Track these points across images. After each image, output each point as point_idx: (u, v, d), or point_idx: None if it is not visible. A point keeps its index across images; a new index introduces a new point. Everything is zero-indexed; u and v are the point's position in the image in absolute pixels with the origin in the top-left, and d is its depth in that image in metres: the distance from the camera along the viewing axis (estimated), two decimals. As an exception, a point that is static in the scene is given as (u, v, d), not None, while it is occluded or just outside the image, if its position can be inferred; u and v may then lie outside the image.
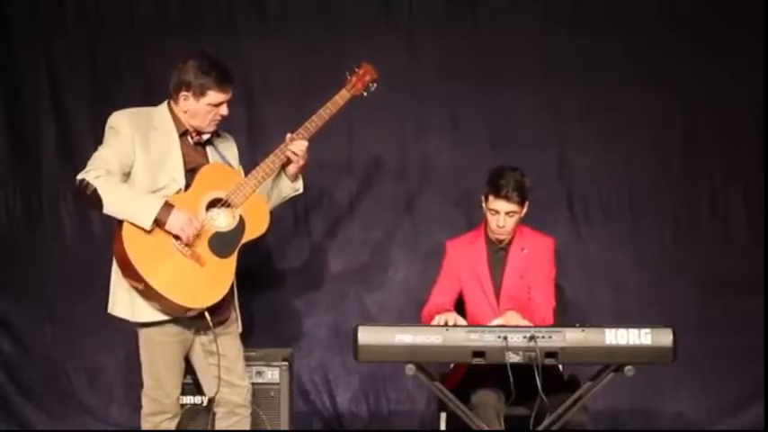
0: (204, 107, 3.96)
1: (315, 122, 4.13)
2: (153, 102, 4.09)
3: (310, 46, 5.35)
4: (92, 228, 5.31)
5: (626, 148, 5.39)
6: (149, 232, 3.83)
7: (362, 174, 5.42)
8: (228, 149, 4.17)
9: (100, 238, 5.20)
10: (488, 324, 4.12)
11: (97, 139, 4.01)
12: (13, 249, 5.41)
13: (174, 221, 3.83)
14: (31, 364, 5.38)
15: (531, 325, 4.05)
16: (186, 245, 3.86)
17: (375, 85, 4.33)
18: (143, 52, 5.34)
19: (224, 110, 4.00)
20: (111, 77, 5.37)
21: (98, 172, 3.83)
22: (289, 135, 4.11)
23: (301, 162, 4.12)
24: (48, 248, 5.40)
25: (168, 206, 3.84)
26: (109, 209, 3.84)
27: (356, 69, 4.31)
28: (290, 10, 5.41)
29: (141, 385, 4.05)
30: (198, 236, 3.89)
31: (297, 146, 4.08)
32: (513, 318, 4.15)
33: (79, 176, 3.86)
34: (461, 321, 4.14)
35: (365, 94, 4.32)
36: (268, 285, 5.35)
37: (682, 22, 5.37)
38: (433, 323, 4.09)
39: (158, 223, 3.82)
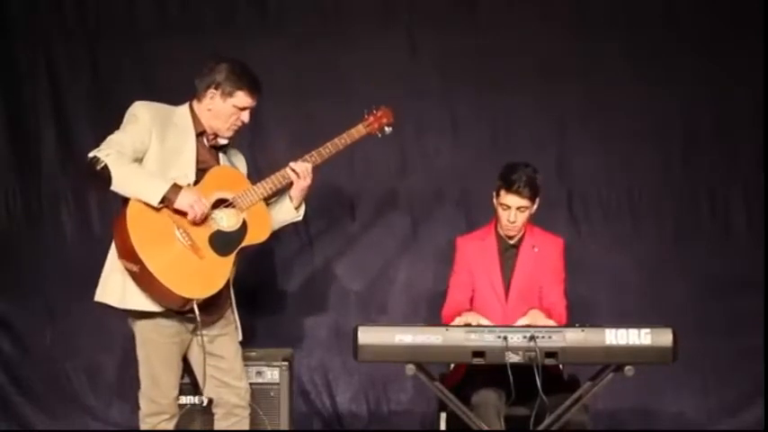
0: (229, 108, 3.99)
1: (329, 149, 4.18)
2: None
3: (311, 46, 5.35)
4: (92, 228, 5.31)
5: (626, 148, 5.39)
6: (154, 215, 3.83)
7: (363, 174, 5.42)
8: (239, 162, 4.20)
9: (100, 238, 5.19)
10: (515, 324, 4.13)
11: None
12: (13, 249, 5.41)
13: (184, 198, 3.84)
14: (31, 364, 5.38)
15: (557, 325, 4.10)
16: (188, 235, 3.86)
17: (390, 129, 4.38)
18: (143, 52, 5.34)
19: (246, 117, 4.04)
20: (111, 77, 5.37)
21: (109, 150, 3.84)
22: (306, 156, 4.13)
23: (303, 183, 4.12)
24: (48, 248, 5.40)
25: (177, 187, 3.86)
26: (117, 185, 3.84)
27: (374, 111, 4.36)
28: (291, 10, 5.41)
29: (140, 385, 4.04)
30: (204, 221, 3.90)
31: (300, 166, 4.10)
32: (539, 317, 4.18)
33: (90, 154, 3.86)
34: (484, 322, 4.15)
35: (379, 135, 4.38)
36: (268, 285, 5.35)
37: (682, 22, 5.37)
38: (453, 324, 4.10)
39: (167, 202, 3.83)
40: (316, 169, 4.16)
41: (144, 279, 3.83)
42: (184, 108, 4.05)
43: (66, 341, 5.36)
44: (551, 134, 5.40)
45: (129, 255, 3.83)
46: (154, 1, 5.41)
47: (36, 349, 5.39)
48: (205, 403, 4.33)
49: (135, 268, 3.83)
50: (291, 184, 4.14)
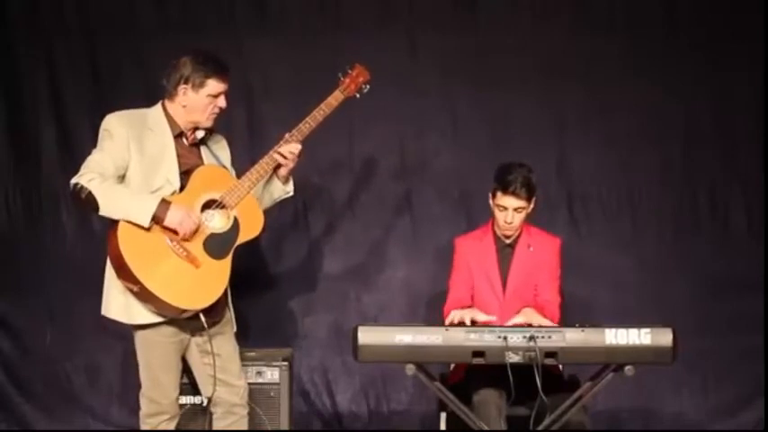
0: (204, 99, 3.96)
1: (308, 124, 4.13)
2: (153, 102, 4.08)
3: (310, 46, 5.35)
4: (92, 227, 5.30)
5: (626, 148, 5.39)
6: (145, 233, 3.83)
7: (362, 174, 5.42)
8: (222, 150, 4.17)
9: (100, 237, 5.13)
10: (508, 323, 4.12)
11: (97, 139, 4.00)
12: (13, 249, 5.41)
13: (173, 216, 3.83)
14: (31, 364, 5.38)
15: (551, 323, 4.11)
16: (182, 246, 3.86)
17: (368, 86, 4.33)
18: (143, 52, 5.34)
19: (222, 102, 4.00)
20: (111, 77, 5.37)
21: (91, 175, 3.83)
22: (287, 135, 4.11)
23: (291, 165, 4.12)
24: (48, 248, 5.40)
25: (165, 203, 3.84)
26: (105, 210, 3.84)
27: (349, 71, 4.30)
28: (290, 10, 5.41)
29: (140, 386, 4.04)
30: (195, 233, 3.88)
31: (287, 149, 4.08)
32: (533, 316, 4.18)
33: (73, 180, 3.86)
34: (480, 316, 4.15)
35: (357, 95, 4.31)
36: (268, 285, 5.34)
37: (682, 23, 5.37)
38: (448, 320, 4.12)
39: (156, 220, 3.82)
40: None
41: (145, 296, 3.83)
42: (157, 110, 4.02)
43: (67, 341, 5.36)
44: (551, 134, 5.39)
45: (126, 276, 3.82)
46: (154, 1, 5.41)
47: (36, 349, 5.38)
48: (204, 403, 4.34)
49: (135, 288, 3.82)
50: (277, 167, 4.12)
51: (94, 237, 5.27)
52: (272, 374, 4.61)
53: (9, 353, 5.40)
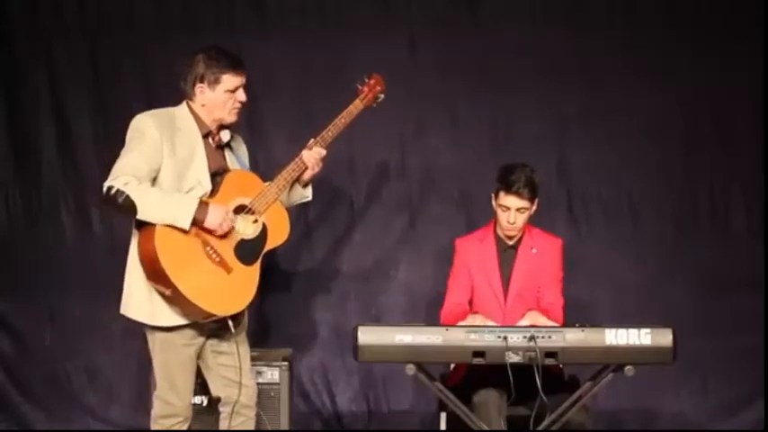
0: (222, 95, 3.93)
1: (331, 132, 4.13)
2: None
3: (310, 46, 5.35)
4: (92, 228, 5.31)
5: (626, 148, 5.39)
6: (182, 236, 3.77)
7: (363, 174, 5.42)
8: (242, 152, 4.16)
9: (100, 238, 5.21)
10: (515, 324, 4.13)
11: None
12: (13, 249, 5.41)
13: (213, 217, 3.79)
14: (31, 364, 5.38)
15: (557, 325, 4.10)
16: (215, 251, 3.82)
17: (383, 96, 4.32)
18: (143, 52, 5.34)
19: (241, 95, 3.97)
20: (111, 77, 5.36)
21: (126, 178, 3.75)
22: (312, 140, 4.11)
23: (317, 169, 4.12)
24: (48, 249, 5.40)
25: (204, 204, 3.80)
26: (144, 214, 3.76)
27: (367, 80, 4.29)
28: (291, 10, 5.41)
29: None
30: (226, 237, 3.86)
31: (314, 154, 4.08)
32: (538, 318, 4.19)
33: (107, 184, 3.76)
34: (491, 324, 4.15)
35: (374, 105, 4.32)
36: (268, 285, 5.31)
37: (682, 22, 5.38)
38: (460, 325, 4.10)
39: (195, 222, 3.78)
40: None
41: (177, 301, 3.79)
42: (184, 109, 3.98)
43: (66, 341, 5.35)
44: (551, 134, 5.40)
45: (160, 279, 3.76)
46: (154, 1, 5.41)
47: (36, 349, 5.38)
48: (204, 403, 4.33)
49: (167, 292, 3.77)
50: (302, 171, 4.11)
51: (94, 237, 5.28)
52: (272, 374, 4.61)
53: (9, 353, 5.39)
